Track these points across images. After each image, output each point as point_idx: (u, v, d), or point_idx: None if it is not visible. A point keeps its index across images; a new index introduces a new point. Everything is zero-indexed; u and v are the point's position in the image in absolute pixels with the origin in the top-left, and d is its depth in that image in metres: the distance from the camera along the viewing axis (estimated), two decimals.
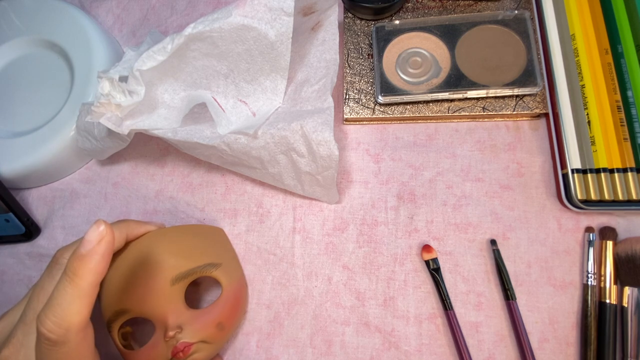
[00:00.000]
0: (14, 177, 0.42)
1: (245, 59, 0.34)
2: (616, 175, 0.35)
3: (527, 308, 0.35)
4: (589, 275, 0.34)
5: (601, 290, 0.34)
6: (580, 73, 0.37)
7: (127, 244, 0.33)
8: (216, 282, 0.38)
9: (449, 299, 0.35)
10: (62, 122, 0.41)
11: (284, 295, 0.38)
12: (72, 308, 0.24)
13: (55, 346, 0.24)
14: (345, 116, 0.40)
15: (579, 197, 0.34)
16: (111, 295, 0.32)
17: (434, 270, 0.36)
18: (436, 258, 0.36)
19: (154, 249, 0.32)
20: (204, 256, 0.34)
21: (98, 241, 0.25)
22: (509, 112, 0.38)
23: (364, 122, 0.41)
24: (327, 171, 0.34)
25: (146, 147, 0.44)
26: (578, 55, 0.38)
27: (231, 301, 0.34)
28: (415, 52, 0.40)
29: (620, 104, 0.36)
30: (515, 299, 0.34)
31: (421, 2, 0.42)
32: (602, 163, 0.35)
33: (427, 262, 0.36)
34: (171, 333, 0.31)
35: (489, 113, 0.38)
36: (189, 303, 0.33)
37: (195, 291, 0.38)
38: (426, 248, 0.36)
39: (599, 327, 0.33)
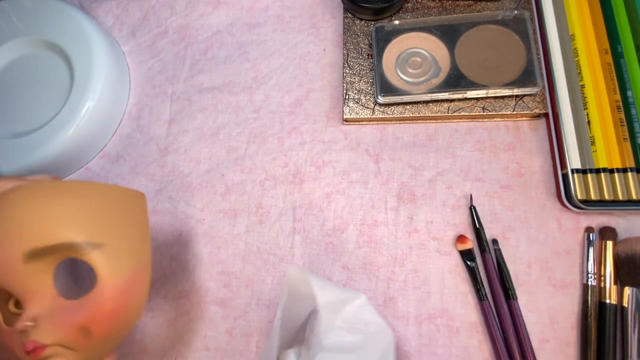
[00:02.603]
0: None
1: None
2: (616, 175, 0.35)
3: (528, 308, 0.35)
4: (589, 275, 0.34)
5: (601, 291, 0.33)
6: (580, 73, 0.37)
7: None
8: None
9: (484, 289, 0.35)
10: (62, 122, 0.41)
11: None
12: None
13: None
14: (345, 116, 0.40)
15: (579, 197, 0.34)
16: None
17: (469, 260, 0.36)
18: (472, 249, 0.36)
19: (20, 207, 0.25)
20: (78, 228, 0.25)
21: None
22: (508, 112, 0.38)
23: (364, 122, 0.41)
24: None
25: (146, 147, 0.44)
26: (578, 55, 0.38)
27: (107, 299, 0.25)
28: (415, 52, 0.40)
29: (620, 104, 0.36)
30: (517, 298, 0.34)
31: (421, 2, 0.42)
32: (602, 163, 0.35)
33: (461, 252, 0.36)
34: (20, 325, 0.24)
35: (489, 113, 0.38)
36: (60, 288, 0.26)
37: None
38: (461, 238, 0.36)
39: (599, 327, 0.33)
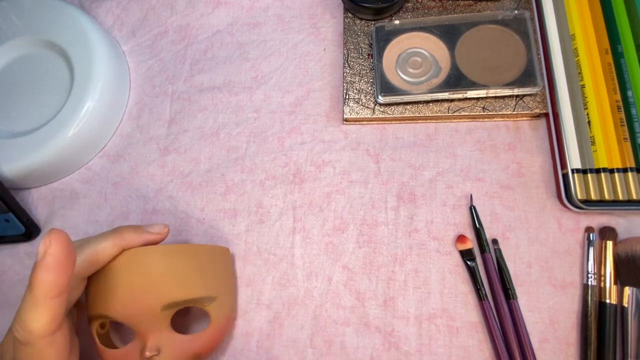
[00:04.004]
0: (14, 177, 0.42)
1: None
2: (616, 175, 0.34)
3: (528, 308, 0.35)
4: (589, 275, 0.34)
5: (601, 290, 0.33)
6: (580, 73, 0.37)
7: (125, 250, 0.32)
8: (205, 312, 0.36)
9: (484, 289, 0.35)
10: (62, 122, 0.41)
11: (284, 295, 0.38)
12: (30, 315, 0.25)
13: (21, 345, 0.26)
14: (345, 116, 0.40)
15: (579, 197, 0.34)
16: (97, 297, 0.31)
17: (469, 260, 0.36)
18: (472, 249, 0.36)
19: (154, 269, 0.31)
20: (202, 288, 0.32)
21: (43, 254, 0.25)
22: (509, 112, 0.38)
23: (364, 122, 0.41)
24: None
25: (146, 147, 0.44)
26: (578, 55, 0.38)
27: (216, 335, 0.33)
28: (415, 52, 0.40)
29: (620, 103, 0.36)
30: (517, 298, 0.34)
31: (421, 2, 0.42)
32: (602, 163, 0.35)
33: (461, 252, 0.36)
34: (148, 354, 0.30)
35: (489, 113, 0.38)
36: (172, 322, 0.33)
37: (181, 311, 0.37)
38: (461, 238, 0.36)
39: (599, 327, 0.33)
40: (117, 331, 0.37)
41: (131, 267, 0.31)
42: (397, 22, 0.40)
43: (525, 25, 0.38)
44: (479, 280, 0.35)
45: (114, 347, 0.35)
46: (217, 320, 0.33)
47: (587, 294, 0.34)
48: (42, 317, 0.25)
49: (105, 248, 0.30)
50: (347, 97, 0.40)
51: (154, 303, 0.30)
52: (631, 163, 0.35)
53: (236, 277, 0.39)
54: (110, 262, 0.31)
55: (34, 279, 0.25)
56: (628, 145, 0.35)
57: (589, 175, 0.35)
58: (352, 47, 0.41)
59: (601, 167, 0.35)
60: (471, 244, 0.36)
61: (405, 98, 0.38)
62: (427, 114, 0.39)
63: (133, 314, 0.30)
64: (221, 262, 0.36)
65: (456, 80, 0.38)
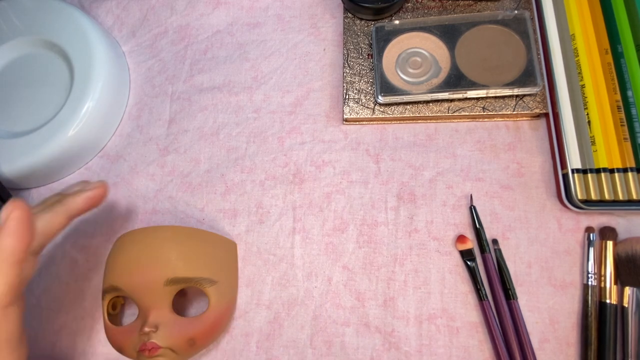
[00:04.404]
0: (14, 177, 0.42)
1: None
2: (616, 175, 0.34)
3: (528, 308, 0.34)
4: (589, 275, 0.34)
5: (601, 291, 0.33)
6: (580, 73, 0.37)
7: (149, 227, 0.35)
8: (205, 295, 0.38)
9: (484, 289, 0.35)
10: (62, 122, 0.41)
11: (284, 295, 0.38)
12: None
13: None
14: (345, 116, 0.40)
15: (579, 197, 0.34)
16: (111, 270, 0.34)
17: (469, 260, 0.36)
18: (472, 249, 0.36)
19: (162, 245, 0.33)
20: (205, 268, 0.34)
21: (4, 219, 0.26)
22: (509, 112, 0.38)
23: (364, 122, 0.41)
24: None
25: (146, 147, 0.44)
26: (578, 55, 0.38)
27: (212, 321, 0.34)
28: (415, 52, 0.40)
29: (620, 103, 0.36)
30: (517, 298, 0.34)
31: (421, 2, 0.42)
32: (602, 163, 0.35)
33: (461, 252, 0.36)
34: (146, 329, 0.32)
35: (489, 113, 0.38)
36: (173, 305, 0.34)
37: (181, 293, 0.38)
38: (461, 238, 0.36)
39: (599, 327, 0.33)
40: (124, 313, 0.38)
41: (144, 243, 0.34)
42: (397, 22, 0.40)
43: (525, 25, 0.38)
44: (479, 280, 0.35)
45: (118, 324, 0.37)
46: (216, 305, 0.34)
47: (587, 294, 0.34)
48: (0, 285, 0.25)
49: (54, 219, 0.31)
50: (347, 97, 0.40)
51: (159, 276, 0.32)
52: (631, 163, 0.35)
53: (238, 273, 0.38)
54: (125, 237, 0.35)
55: None
56: (628, 145, 0.35)
57: (589, 175, 0.35)
58: (352, 47, 0.41)
59: (601, 167, 0.35)
60: (471, 244, 0.36)
61: (405, 98, 0.38)
62: (427, 114, 0.39)
63: (139, 286, 0.32)
64: (226, 251, 0.38)
65: (456, 80, 0.38)
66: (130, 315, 0.39)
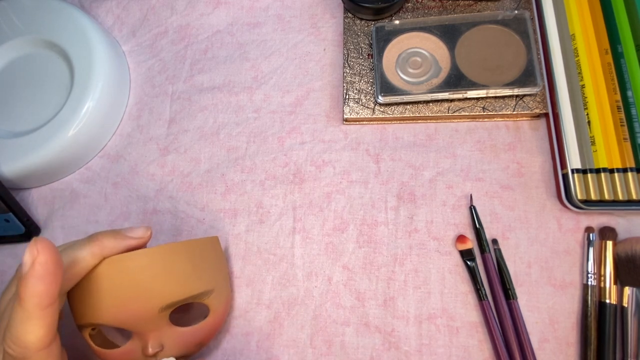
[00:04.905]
0: (14, 177, 0.42)
1: None
2: (616, 175, 0.35)
3: (527, 308, 0.35)
4: (589, 275, 0.34)
5: (601, 290, 0.33)
6: (580, 73, 0.37)
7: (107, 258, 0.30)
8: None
9: (484, 289, 0.35)
10: (62, 122, 0.41)
11: (284, 295, 0.38)
12: (23, 329, 0.24)
13: None
14: (345, 116, 0.40)
15: (579, 197, 0.34)
16: (86, 307, 0.30)
17: (469, 260, 0.36)
18: (472, 249, 0.36)
19: (145, 274, 0.30)
20: (198, 283, 0.32)
21: (31, 264, 0.24)
22: (509, 112, 0.38)
23: (364, 122, 0.41)
24: None
25: (146, 147, 0.44)
26: (578, 55, 0.38)
27: (217, 323, 0.34)
28: (415, 52, 0.40)
29: (620, 104, 0.36)
30: (517, 298, 0.34)
31: (421, 2, 0.42)
32: (602, 163, 0.35)
33: (461, 252, 0.36)
34: (152, 351, 0.30)
35: (489, 113, 0.38)
36: (171, 316, 0.32)
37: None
38: (461, 238, 0.36)
39: (599, 327, 0.33)
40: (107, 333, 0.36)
41: (120, 275, 0.29)
42: (397, 22, 0.40)
43: (525, 25, 0.38)
44: (479, 280, 0.35)
45: (110, 346, 0.34)
46: (217, 309, 0.34)
47: (587, 294, 0.34)
48: (37, 329, 0.24)
49: (84, 259, 0.28)
50: (347, 97, 0.40)
51: (150, 307, 0.30)
52: (631, 163, 0.35)
53: (233, 274, 0.39)
54: (95, 270, 0.29)
55: (24, 290, 0.24)
56: (628, 145, 0.35)
57: (589, 175, 0.35)
58: (352, 47, 0.41)
59: (601, 167, 0.35)
60: (471, 244, 0.36)
61: (405, 98, 0.38)
62: (427, 114, 0.39)
63: (129, 319, 0.30)
64: (212, 252, 0.35)
65: (456, 80, 0.38)
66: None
